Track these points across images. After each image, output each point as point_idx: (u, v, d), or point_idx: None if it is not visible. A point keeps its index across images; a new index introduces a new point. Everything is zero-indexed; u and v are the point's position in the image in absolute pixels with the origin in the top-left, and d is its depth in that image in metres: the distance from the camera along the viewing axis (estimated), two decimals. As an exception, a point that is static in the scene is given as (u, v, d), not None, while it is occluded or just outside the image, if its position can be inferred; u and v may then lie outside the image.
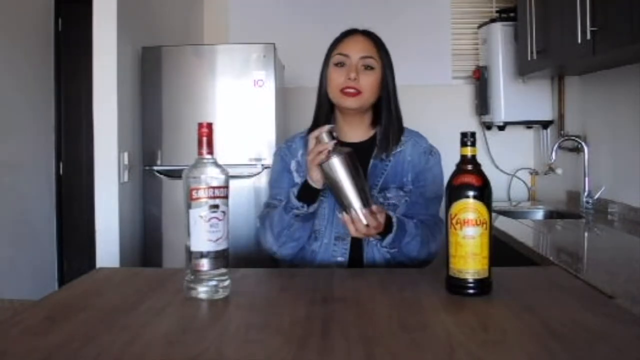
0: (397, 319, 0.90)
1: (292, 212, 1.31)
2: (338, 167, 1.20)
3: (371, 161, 1.42)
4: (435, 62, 3.49)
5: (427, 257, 1.38)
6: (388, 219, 1.27)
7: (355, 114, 1.41)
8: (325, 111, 1.42)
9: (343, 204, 1.22)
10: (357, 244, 1.40)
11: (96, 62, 2.37)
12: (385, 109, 1.41)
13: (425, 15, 3.50)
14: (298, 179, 1.42)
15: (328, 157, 1.20)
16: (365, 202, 1.20)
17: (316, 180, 1.26)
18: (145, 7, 2.75)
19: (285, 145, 1.50)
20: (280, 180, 1.44)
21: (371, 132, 1.45)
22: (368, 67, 1.36)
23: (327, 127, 1.24)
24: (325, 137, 1.22)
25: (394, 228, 1.29)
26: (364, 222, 1.20)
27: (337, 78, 1.36)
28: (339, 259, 1.40)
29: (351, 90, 1.34)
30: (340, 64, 1.37)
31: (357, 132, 1.44)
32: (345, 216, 1.21)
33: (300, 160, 1.43)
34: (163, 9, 3.02)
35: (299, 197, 1.30)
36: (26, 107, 3.40)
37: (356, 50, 1.36)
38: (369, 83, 1.36)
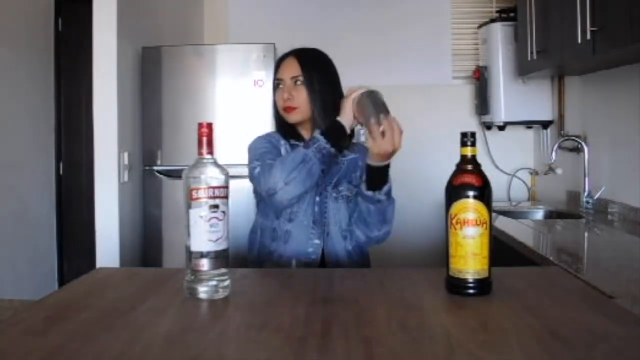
0: (397, 319, 0.90)
1: (314, 147, 1.38)
2: (373, 98, 1.35)
3: None
4: (435, 62, 3.49)
5: (386, 234, 1.54)
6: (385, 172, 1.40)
7: (305, 124, 1.57)
8: (284, 124, 1.58)
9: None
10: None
11: (96, 62, 2.37)
12: (319, 119, 1.51)
13: (425, 15, 3.50)
14: None
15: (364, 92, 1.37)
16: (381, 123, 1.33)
17: (347, 116, 1.39)
18: (145, 7, 2.75)
19: (270, 135, 1.61)
20: (272, 153, 1.51)
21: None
22: (299, 83, 1.53)
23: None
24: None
25: (390, 179, 1.43)
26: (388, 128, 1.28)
27: (277, 100, 1.57)
28: (316, 241, 1.52)
29: (289, 108, 1.53)
30: (279, 87, 1.57)
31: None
32: (367, 126, 1.31)
33: (287, 148, 1.56)
34: (163, 9, 3.02)
35: (327, 137, 1.40)
36: (26, 107, 3.40)
37: (286, 72, 1.56)
38: (302, 97, 1.52)
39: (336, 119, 1.40)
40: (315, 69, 1.55)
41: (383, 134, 1.28)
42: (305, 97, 1.52)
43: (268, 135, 1.62)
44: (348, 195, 1.56)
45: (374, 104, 1.33)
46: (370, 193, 1.42)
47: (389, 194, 1.45)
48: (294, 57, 1.57)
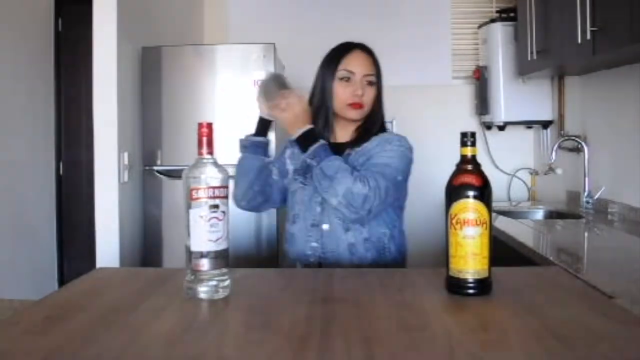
0: (397, 319, 0.90)
1: (241, 145, 1.55)
2: (277, 81, 1.51)
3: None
4: (435, 62, 3.49)
5: (347, 192, 1.37)
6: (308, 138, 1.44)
7: (352, 122, 1.56)
8: (324, 118, 1.54)
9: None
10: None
11: (96, 62, 2.37)
12: (376, 116, 1.56)
13: (425, 15, 3.50)
14: (290, 166, 1.60)
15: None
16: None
17: (260, 108, 1.52)
18: (145, 7, 2.75)
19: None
20: (276, 159, 1.65)
21: (356, 133, 1.58)
22: (370, 84, 1.52)
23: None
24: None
25: (320, 142, 1.43)
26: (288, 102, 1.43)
27: (343, 93, 1.51)
28: (314, 244, 1.51)
29: (357, 104, 1.50)
30: (345, 79, 1.51)
31: (346, 134, 1.58)
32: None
33: (295, 151, 1.59)
34: (163, 9, 3.02)
35: (256, 133, 1.56)
36: (26, 107, 3.40)
37: (360, 68, 1.52)
38: (370, 98, 1.52)
39: (259, 115, 1.54)
40: (380, 66, 1.57)
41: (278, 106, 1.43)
42: (372, 97, 1.52)
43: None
44: None
45: (278, 87, 1.47)
46: (303, 161, 1.47)
47: (317, 156, 1.41)
48: (365, 53, 1.55)
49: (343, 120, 1.55)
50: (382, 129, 1.57)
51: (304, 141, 1.43)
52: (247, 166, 1.55)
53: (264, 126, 1.55)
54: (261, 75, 2.63)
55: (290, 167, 1.60)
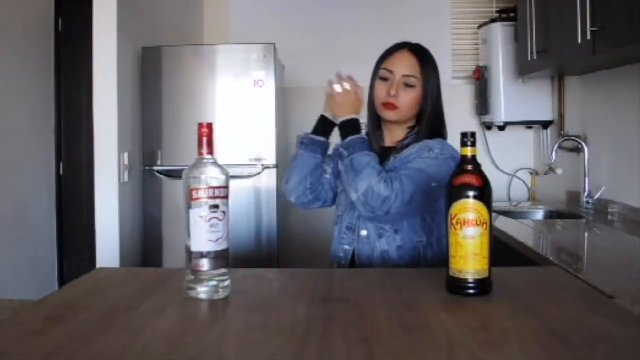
0: (397, 319, 0.90)
1: (298, 142, 1.53)
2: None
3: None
4: (435, 62, 3.48)
5: (368, 190, 1.34)
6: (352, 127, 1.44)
7: (395, 123, 1.52)
8: (373, 117, 1.54)
9: None
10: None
11: (96, 62, 2.37)
12: (424, 123, 1.50)
13: (425, 15, 3.50)
14: (341, 166, 1.51)
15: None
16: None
17: (325, 107, 1.50)
18: (145, 7, 2.75)
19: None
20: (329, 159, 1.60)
21: (407, 138, 1.53)
22: (408, 85, 1.47)
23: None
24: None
25: (359, 135, 1.43)
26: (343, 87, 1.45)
27: (379, 92, 1.49)
28: (346, 246, 1.50)
29: (390, 104, 1.47)
30: (384, 78, 1.49)
31: (394, 138, 1.54)
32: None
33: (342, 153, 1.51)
34: (163, 9, 3.02)
35: (314, 131, 1.53)
36: (26, 107, 3.40)
37: (400, 67, 1.47)
38: (407, 100, 1.47)
39: (321, 114, 1.51)
40: (432, 70, 1.51)
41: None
42: (410, 99, 1.46)
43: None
44: None
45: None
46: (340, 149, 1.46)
47: (351, 147, 1.40)
48: (410, 53, 1.51)
49: (389, 123, 1.52)
50: (438, 135, 1.49)
51: (346, 129, 1.43)
52: (302, 163, 1.52)
53: (325, 126, 1.51)
54: (260, 75, 2.64)
55: (341, 167, 1.53)
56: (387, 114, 1.49)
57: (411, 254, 1.44)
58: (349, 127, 1.43)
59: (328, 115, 1.50)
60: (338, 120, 1.45)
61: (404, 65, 1.48)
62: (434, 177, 1.37)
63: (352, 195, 1.37)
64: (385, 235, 1.45)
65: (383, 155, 1.46)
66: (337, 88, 1.46)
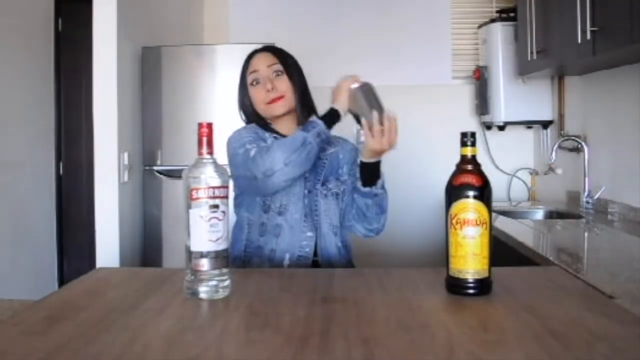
0: (397, 319, 0.90)
1: (313, 131, 1.37)
2: (367, 92, 1.38)
3: None
4: (435, 62, 3.48)
5: (384, 224, 1.54)
6: (377, 167, 1.44)
7: (285, 119, 1.53)
8: (263, 125, 1.54)
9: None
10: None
11: (96, 62, 2.37)
12: (306, 107, 1.54)
13: (425, 15, 3.50)
14: None
15: (359, 84, 1.39)
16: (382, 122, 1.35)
17: (343, 103, 1.41)
18: (145, 7, 2.75)
19: (253, 127, 1.55)
20: (263, 141, 1.49)
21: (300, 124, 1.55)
22: (278, 74, 1.52)
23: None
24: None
25: (382, 174, 1.46)
26: (381, 125, 1.33)
27: (258, 95, 1.51)
28: (309, 233, 1.50)
29: (275, 99, 1.49)
30: (255, 82, 1.52)
31: (291, 130, 1.52)
32: (365, 122, 1.35)
33: (276, 136, 1.53)
34: (163, 9, 3.02)
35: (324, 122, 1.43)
36: (26, 107, 3.40)
37: (262, 63, 1.52)
38: (284, 85, 1.51)
39: (332, 106, 1.42)
40: (289, 58, 1.57)
41: (382, 132, 1.32)
42: (288, 85, 1.51)
43: (250, 127, 1.55)
44: (337, 192, 1.56)
45: (367, 98, 1.36)
46: (367, 189, 1.46)
47: (383, 186, 1.48)
48: (264, 52, 1.57)
49: (281, 122, 1.53)
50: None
51: (372, 167, 1.45)
52: (312, 157, 1.40)
53: (332, 118, 1.42)
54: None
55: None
56: (277, 109, 1.50)
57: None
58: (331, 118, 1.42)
59: (340, 110, 1.42)
60: (368, 160, 1.42)
61: (265, 60, 1.53)
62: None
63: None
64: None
65: None
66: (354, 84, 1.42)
